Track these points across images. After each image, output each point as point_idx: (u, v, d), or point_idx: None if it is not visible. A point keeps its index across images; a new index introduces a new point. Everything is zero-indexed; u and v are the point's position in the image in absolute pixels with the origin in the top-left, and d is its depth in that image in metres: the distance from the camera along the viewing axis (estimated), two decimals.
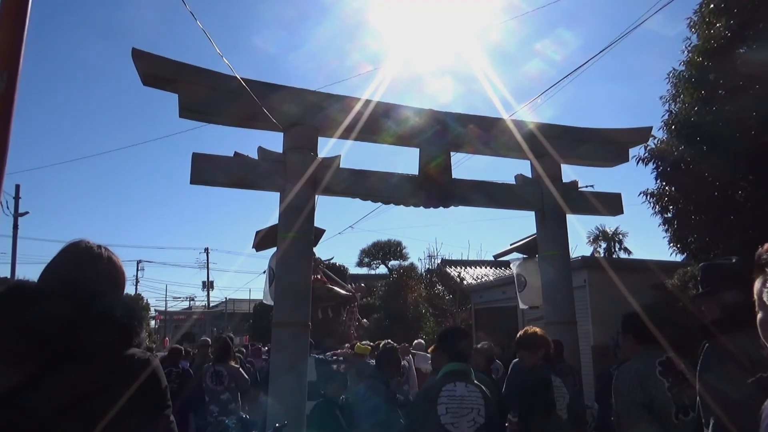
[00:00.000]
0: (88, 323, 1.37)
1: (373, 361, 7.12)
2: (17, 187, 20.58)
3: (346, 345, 8.57)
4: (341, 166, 5.68)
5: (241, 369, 7.03)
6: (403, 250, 29.75)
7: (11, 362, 1.29)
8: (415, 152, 6.03)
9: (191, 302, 47.78)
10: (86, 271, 1.55)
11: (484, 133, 6.22)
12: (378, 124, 5.77)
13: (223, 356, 6.90)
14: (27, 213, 20.99)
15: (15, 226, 20.16)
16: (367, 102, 5.68)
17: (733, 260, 2.74)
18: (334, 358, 7.46)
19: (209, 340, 10.20)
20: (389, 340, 8.20)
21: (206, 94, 5.22)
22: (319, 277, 13.31)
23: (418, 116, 5.92)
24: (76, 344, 1.34)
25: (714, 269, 2.76)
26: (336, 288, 13.28)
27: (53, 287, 1.44)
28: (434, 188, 5.92)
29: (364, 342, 8.39)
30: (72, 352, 1.33)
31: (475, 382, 3.28)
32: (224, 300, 43.52)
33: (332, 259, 21.54)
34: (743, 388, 1.26)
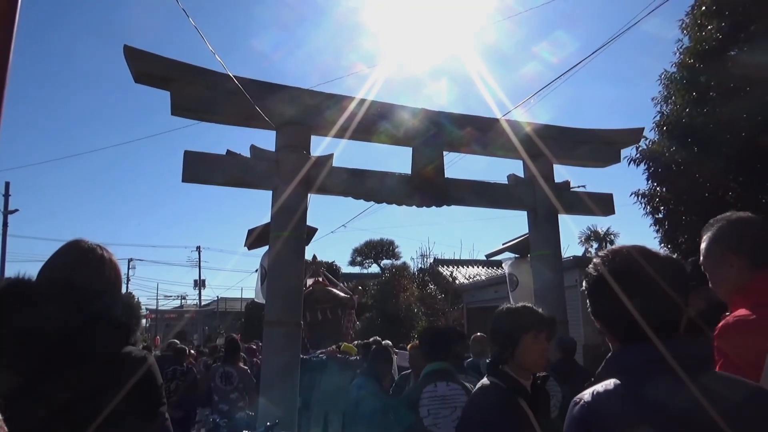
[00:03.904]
0: (87, 325, 1.35)
1: (353, 358, 7.11)
2: (7, 184, 20.45)
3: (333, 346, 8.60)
4: (334, 165, 5.67)
5: (248, 370, 7.15)
6: (396, 250, 29.85)
7: (8, 365, 1.27)
8: (408, 150, 6.04)
9: (183, 301, 47.63)
10: (86, 272, 1.54)
11: (478, 133, 6.23)
12: (372, 123, 5.77)
13: (232, 357, 7.01)
14: (17, 210, 20.87)
15: (4, 224, 20.01)
16: (361, 101, 5.67)
17: None
18: (320, 355, 7.47)
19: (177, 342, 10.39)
20: (377, 337, 8.21)
21: (198, 93, 5.20)
22: (320, 279, 13.34)
23: (412, 116, 5.91)
24: (75, 346, 1.32)
25: None
26: (335, 290, 13.34)
27: (52, 288, 1.42)
28: (428, 188, 5.92)
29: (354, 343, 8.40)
30: (71, 354, 1.31)
31: (458, 379, 3.29)
32: (216, 299, 43.38)
33: (333, 262, 21.54)
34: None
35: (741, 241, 1.75)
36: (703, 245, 1.87)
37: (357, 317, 16.01)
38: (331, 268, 21.73)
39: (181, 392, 7.36)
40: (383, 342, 8.63)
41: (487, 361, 2.46)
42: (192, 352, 10.35)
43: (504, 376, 2.26)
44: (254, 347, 10.44)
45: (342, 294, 13.47)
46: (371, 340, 7.99)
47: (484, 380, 2.33)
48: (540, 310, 2.39)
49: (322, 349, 8.49)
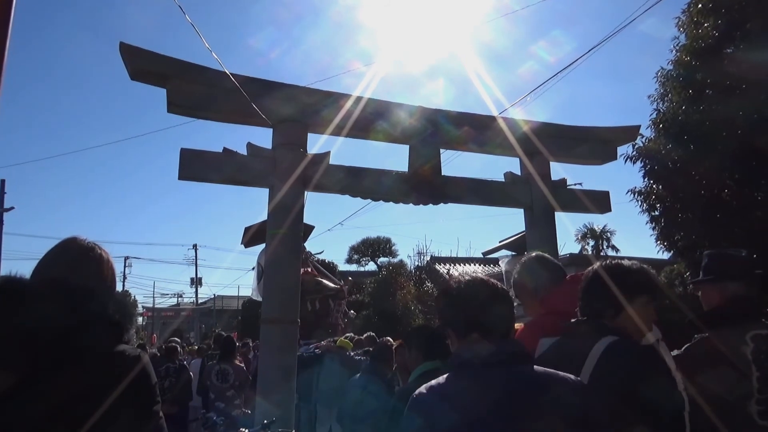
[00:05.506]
0: (81, 325, 1.34)
1: (359, 357, 7.09)
2: (2, 182, 20.32)
3: (328, 339, 8.51)
4: (331, 162, 5.66)
5: (244, 367, 7.17)
6: (393, 247, 29.79)
7: (3, 365, 1.26)
8: (405, 148, 6.03)
9: (179, 299, 47.55)
10: (85, 271, 1.53)
11: (476, 131, 6.22)
12: (369, 121, 5.76)
13: (228, 355, 7.02)
14: (12, 208, 20.74)
15: (0, 222, 19.92)
16: (358, 99, 5.66)
17: (743, 253, 2.76)
18: (316, 349, 7.42)
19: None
20: (371, 333, 8.18)
21: (195, 90, 5.17)
22: (309, 270, 13.26)
23: (410, 114, 5.90)
24: (70, 346, 1.31)
25: (721, 258, 2.76)
26: (325, 281, 13.24)
27: (48, 288, 1.41)
28: (425, 186, 5.92)
29: (347, 336, 8.33)
30: (65, 354, 1.30)
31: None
32: (213, 297, 43.33)
33: (322, 252, 21.42)
34: (738, 391, 1.31)
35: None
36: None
37: (354, 314, 15.99)
38: (328, 265, 21.66)
39: (177, 391, 7.38)
40: (387, 340, 8.58)
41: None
42: (187, 348, 10.34)
43: (622, 333, 1.86)
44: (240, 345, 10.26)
45: (331, 284, 13.35)
46: (365, 336, 7.94)
47: (604, 340, 1.81)
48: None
49: (314, 341, 8.44)
